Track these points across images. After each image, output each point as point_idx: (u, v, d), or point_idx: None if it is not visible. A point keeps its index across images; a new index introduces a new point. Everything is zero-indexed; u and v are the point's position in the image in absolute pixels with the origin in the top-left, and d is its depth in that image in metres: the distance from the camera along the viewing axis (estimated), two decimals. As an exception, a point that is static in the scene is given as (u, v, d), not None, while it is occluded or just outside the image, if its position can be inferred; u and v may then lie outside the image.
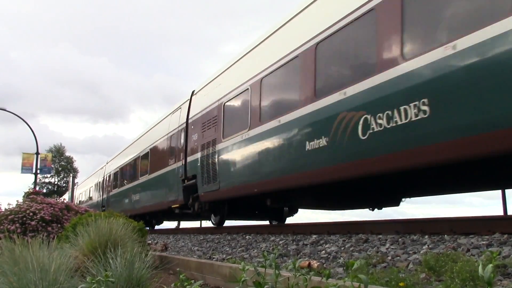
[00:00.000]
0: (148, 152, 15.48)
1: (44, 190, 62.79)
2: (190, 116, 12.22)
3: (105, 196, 22.94)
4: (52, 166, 56.69)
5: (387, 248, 4.50)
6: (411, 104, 4.90)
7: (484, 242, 3.91)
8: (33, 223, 7.55)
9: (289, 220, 11.39)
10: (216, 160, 9.71)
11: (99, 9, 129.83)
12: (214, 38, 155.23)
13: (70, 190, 36.16)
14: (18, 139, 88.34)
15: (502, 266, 3.02)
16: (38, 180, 37.94)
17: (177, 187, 11.99)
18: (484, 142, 4.27)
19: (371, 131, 5.38)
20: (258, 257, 5.32)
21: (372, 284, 2.94)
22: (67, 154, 72.58)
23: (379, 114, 5.30)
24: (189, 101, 12.82)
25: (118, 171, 20.28)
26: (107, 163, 23.98)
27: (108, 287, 3.04)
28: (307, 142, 6.61)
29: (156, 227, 18.68)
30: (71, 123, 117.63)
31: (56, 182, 71.64)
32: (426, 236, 4.75)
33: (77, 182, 39.15)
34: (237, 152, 8.89)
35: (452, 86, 4.54)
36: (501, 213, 6.89)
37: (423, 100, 4.77)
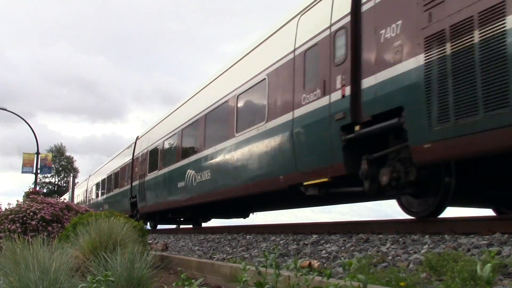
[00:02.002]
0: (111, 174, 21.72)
1: (45, 190, 62.85)
2: (135, 154, 17.93)
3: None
4: (53, 166, 56.72)
5: (387, 248, 4.50)
6: None
7: (484, 242, 3.91)
8: (33, 222, 7.55)
9: (292, 220, 11.19)
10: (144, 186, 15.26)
11: (96, 8, 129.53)
12: (213, 38, 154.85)
13: (71, 190, 36.16)
14: (16, 139, 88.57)
15: (502, 266, 3.02)
16: (38, 180, 37.97)
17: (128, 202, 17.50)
18: None
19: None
20: (259, 257, 5.32)
21: (373, 283, 2.94)
22: (67, 154, 72.72)
23: None
24: (134, 143, 18.62)
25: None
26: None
27: (109, 286, 3.04)
28: (178, 183, 11.99)
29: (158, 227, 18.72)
30: (70, 122, 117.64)
31: (56, 182, 71.72)
32: (427, 236, 4.75)
33: (77, 182, 39.16)
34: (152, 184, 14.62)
35: None
36: (501, 212, 6.87)
37: None
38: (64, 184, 69.54)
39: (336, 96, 6.20)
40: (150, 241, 8.73)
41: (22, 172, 30.62)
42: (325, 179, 6.41)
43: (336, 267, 4.08)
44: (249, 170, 8.45)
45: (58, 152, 70.30)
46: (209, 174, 10.10)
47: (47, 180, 69.82)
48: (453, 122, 4.53)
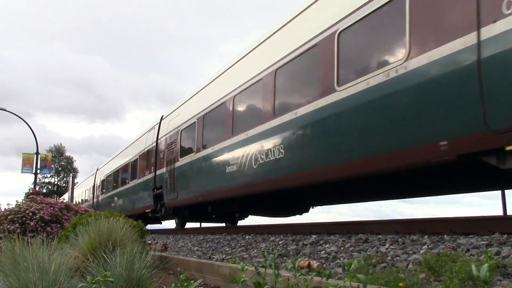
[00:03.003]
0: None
1: (44, 190, 62.80)
2: (95, 180, 25.72)
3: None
4: (52, 166, 56.69)
5: (386, 248, 4.50)
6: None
7: (483, 242, 3.91)
8: (32, 223, 7.55)
9: (292, 220, 11.58)
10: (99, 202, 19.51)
11: (93, 8, 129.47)
12: (212, 38, 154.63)
13: (70, 190, 36.24)
14: (14, 139, 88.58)
15: (501, 266, 3.02)
16: (38, 180, 37.94)
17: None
18: None
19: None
20: (258, 257, 5.33)
21: (372, 284, 2.95)
22: (66, 154, 72.70)
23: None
24: (95, 173, 25.96)
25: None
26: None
27: (108, 287, 3.04)
28: (111, 203, 17.44)
29: (156, 227, 18.91)
30: (68, 123, 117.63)
31: (56, 182, 71.69)
32: (426, 236, 4.75)
33: (77, 182, 39.42)
34: (103, 200, 21.04)
35: None
36: (500, 213, 6.90)
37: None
38: (64, 184, 69.51)
39: (152, 175, 14.31)
40: (150, 242, 8.73)
41: (22, 172, 30.62)
42: (149, 210, 14.62)
43: (335, 268, 4.09)
44: (132, 203, 17.01)
45: (58, 152, 70.28)
46: (121, 201, 18.95)
47: (46, 180, 69.83)
48: (175, 194, 12.10)
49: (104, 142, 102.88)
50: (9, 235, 4.30)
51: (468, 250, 3.75)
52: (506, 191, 6.48)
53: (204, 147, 10.38)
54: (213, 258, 6.05)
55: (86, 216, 6.09)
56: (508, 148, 4.06)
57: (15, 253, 3.40)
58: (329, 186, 7.36)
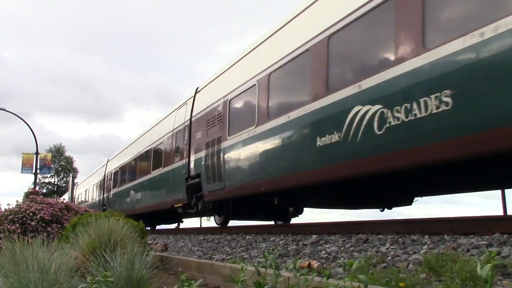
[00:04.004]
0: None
1: (44, 190, 62.83)
2: (75, 192, 36.72)
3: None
4: (52, 166, 56.71)
5: (387, 248, 4.50)
6: None
7: (484, 242, 3.91)
8: (32, 223, 7.54)
9: (293, 220, 11.23)
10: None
11: (92, 7, 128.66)
12: (210, 38, 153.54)
13: (70, 190, 36.39)
14: (13, 139, 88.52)
15: (502, 266, 3.02)
16: (38, 180, 37.96)
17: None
18: None
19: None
20: (259, 257, 5.33)
21: (372, 284, 2.95)
22: (66, 154, 72.70)
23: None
24: (76, 186, 36.28)
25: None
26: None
27: (108, 287, 3.04)
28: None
29: (157, 227, 19.15)
30: (67, 122, 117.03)
31: (56, 182, 71.70)
32: (426, 236, 4.75)
33: (76, 182, 39.59)
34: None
35: None
36: (501, 212, 6.91)
37: None
38: (64, 184, 69.52)
39: (102, 196, 24.19)
40: (150, 242, 8.72)
41: (22, 172, 30.64)
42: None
43: (335, 268, 4.09)
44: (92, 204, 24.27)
45: (58, 152, 70.28)
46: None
47: (46, 180, 69.84)
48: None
49: (103, 142, 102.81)
50: (10, 235, 4.30)
51: (468, 250, 3.75)
52: (506, 191, 6.49)
53: (121, 185, 19.50)
54: (214, 258, 6.05)
55: (86, 216, 6.08)
56: (175, 206, 11.90)
57: (15, 253, 3.40)
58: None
